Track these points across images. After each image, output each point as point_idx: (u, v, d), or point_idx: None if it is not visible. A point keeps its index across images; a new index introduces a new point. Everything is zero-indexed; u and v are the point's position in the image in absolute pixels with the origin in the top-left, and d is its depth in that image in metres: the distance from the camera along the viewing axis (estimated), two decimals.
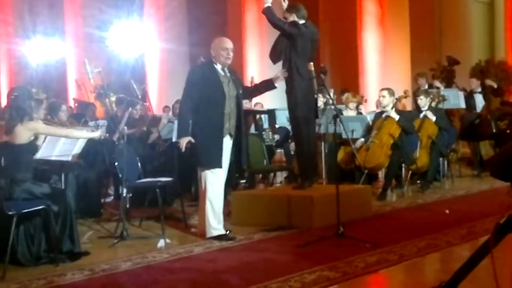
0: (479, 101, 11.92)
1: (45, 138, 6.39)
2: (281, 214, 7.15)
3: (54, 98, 10.64)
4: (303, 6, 7.63)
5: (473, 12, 19.10)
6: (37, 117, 6.98)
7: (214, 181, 6.45)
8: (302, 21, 7.44)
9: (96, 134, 6.37)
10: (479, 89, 12.02)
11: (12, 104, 5.89)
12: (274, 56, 7.57)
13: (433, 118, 10.03)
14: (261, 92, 7.50)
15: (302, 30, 7.36)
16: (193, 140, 6.37)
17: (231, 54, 6.58)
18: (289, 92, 7.45)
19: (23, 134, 5.73)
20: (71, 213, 5.80)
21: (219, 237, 6.42)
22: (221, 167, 6.42)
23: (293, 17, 7.45)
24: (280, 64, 7.54)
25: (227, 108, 6.48)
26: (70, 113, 11.41)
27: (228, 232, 6.58)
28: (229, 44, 6.60)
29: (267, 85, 7.18)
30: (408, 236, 6.26)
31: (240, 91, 6.68)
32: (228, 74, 6.61)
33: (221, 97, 6.45)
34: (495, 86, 12.24)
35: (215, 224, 6.46)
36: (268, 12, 7.45)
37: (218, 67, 6.56)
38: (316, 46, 7.70)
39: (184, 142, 6.37)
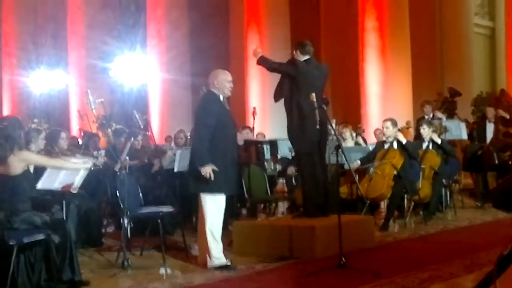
0: (490, 131, 11.92)
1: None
2: (282, 244, 7.11)
3: (56, 128, 10.63)
4: (309, 42, 7.71)
5: (474, 44, 19.22)
6: (36, 147, 7.00)
7: (216, 210, 6.45)
8: (306, 57, 7.54)
9: (89, 164, 6.35)
10: (494, 119, 12.02)
11: (1, 134, 5.80)
12: (276, 94, 7.70)
13: (439, 141, 10.04)
14: None
15: (300, 67, 7.45)
16: (216, 168, 6.35)
17: (231, 87, 6.75)
18: (291, 130, 7.56)
19: (16, 165, 5.70)
20: (72, 242, 5.79)
21: (220, 267, 6.39)
22: (237, 191, 6.71)
23: (297, 54, 7.57)
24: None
25: None
26: (75, 143, 11.42)
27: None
28: (231, 76, 6.75)
29: None
30: (411, 267, 6.21)
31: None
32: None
33: (233, 126, 6.73)
34: (507, 117, 12.20)
35: (217, 254, 6.44)
36: (261, 62, 7.64)
37: (220, 97, 6.65)
38: (323, 83, 7.79)
39: (208, 170, 6.32)
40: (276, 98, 7.73)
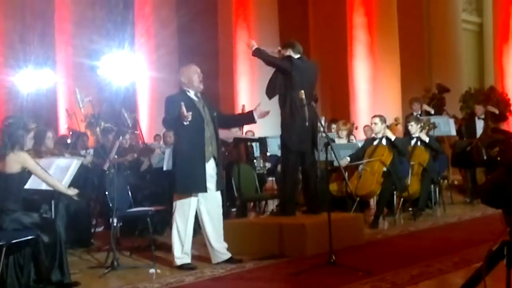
0: (479, 127, 12.02)
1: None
2: (273, 242, 7.11)
3: (44, 127, 10.56)
4: (298, 42, 7.81)
5: (462, 40, 19.26)
6: (26, 147, 6.96)
7: (176, 211, 6.49)
8: (297, 55, 7.59)
9: (74, 192, 6.29)
10: (483, 116, 12.10)
11: (4, 130, 5.91)
12: (270, 91, 7.66)
13: (427, 139, 10.07)
14: (238, 125, 7.56)
15: (296, 64, 7.48)
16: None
17: (201, 78, 6.65)
18: (284, 125, 7.54)
19: (12, 164, 5.70)
20: (61, 243, 5.76)
21: (181, 267, 6.44)
22: (206, 191, 6.47)
23: (288, 52, 7.62)
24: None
25: (208, 133, 6.52)
26: (64, 142, 11.37)
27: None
28: (198, 69, 6.69)
29: (247, 118, 7.23)
30: (401, 264, 6.23)
31: (215, 114, 6.72)
32: (201, 99, 6.66)
33: (200, 122, 6.49)
34: (497, 112, 12.29)
35: (179, 253, 6.50)
36: (258, 54, 7.65)
37: (192, 93, 6.61)
38: (315, 80, 7.83)
39: (182, 109, 6.17)
40: (270, 95, 7.70)
